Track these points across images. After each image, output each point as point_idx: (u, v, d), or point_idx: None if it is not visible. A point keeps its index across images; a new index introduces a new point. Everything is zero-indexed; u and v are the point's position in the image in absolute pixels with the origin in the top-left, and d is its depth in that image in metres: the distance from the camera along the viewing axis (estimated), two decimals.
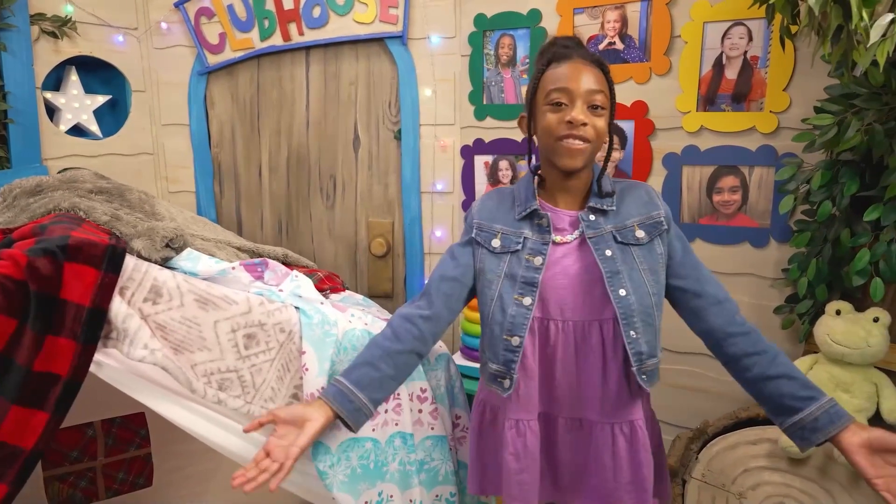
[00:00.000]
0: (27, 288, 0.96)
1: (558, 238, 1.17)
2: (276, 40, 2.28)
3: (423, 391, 1.35)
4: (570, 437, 1.22)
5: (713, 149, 1.80)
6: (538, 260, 1.15)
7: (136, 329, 1.03)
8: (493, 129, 2.14)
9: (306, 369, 1.15)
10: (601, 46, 1.93)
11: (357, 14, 2.16)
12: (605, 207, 1.16)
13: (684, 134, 1.83)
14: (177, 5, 2.37)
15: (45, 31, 2.20)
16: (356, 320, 1.27)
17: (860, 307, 1.52)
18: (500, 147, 2.14)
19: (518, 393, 1.17)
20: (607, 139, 1.18)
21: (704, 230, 1.84)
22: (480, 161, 2.15)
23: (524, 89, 2.08)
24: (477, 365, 1.79)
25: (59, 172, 2.06)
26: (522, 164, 2.13)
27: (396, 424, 1.29)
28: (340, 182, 2.37)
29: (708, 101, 1.79)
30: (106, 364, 1.04)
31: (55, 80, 2.30)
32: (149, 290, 1.09)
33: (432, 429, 1.33)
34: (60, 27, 2.22)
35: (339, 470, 1.18)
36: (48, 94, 2.26)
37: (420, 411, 1.34)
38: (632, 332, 1.12)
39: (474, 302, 1.26)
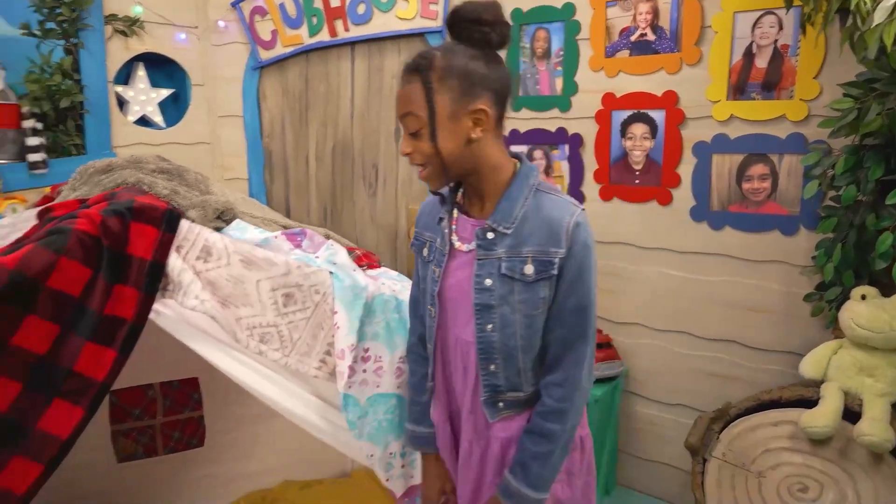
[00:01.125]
0: (101, 243, 1.11)
1: (458, 244, 1.10)
2: (324, 36, 2.43)
3: None
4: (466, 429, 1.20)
5: (743, 137, 1.82)
6: (438, 271, 1.10)
7: (190, 282, 1.18)
8: (529, 120, 2.22)
9: (337, 327, 1.26)
10: (633, 38, 1.98)
11: (399, 10, 2.27)
12: (501, 229, 1.03)
13: (714, 123, 1.86)
14: (233, 4, 2.55)
15: (117, 31, 2.41)
16: (384, 287, 1.38)
17: (887, 293, 1.53)
18: (534, 137, 2.21)
19: (434, 395, 1.21)
20: (467, 141, 1.01)
21: (734, 218, 1.87)
22: (516, 151, 2.23)
23: (558, 81, 2.15)
24: None
25: None
26: (556, 154, 2.20)
27: None
28: (382, 171, 2.49)
29: (738, 89, 1.81)
30: (163, 313, 1.19)
31: (125, 75, 2.52)
32: (200, 250, 1.23)
33: None
34: (130, 26, 2.42)
35: (367, 422, 1.28)
36: (119, 88, 2.47)
37: None
38: (491, 366, 1.06)
39: None
